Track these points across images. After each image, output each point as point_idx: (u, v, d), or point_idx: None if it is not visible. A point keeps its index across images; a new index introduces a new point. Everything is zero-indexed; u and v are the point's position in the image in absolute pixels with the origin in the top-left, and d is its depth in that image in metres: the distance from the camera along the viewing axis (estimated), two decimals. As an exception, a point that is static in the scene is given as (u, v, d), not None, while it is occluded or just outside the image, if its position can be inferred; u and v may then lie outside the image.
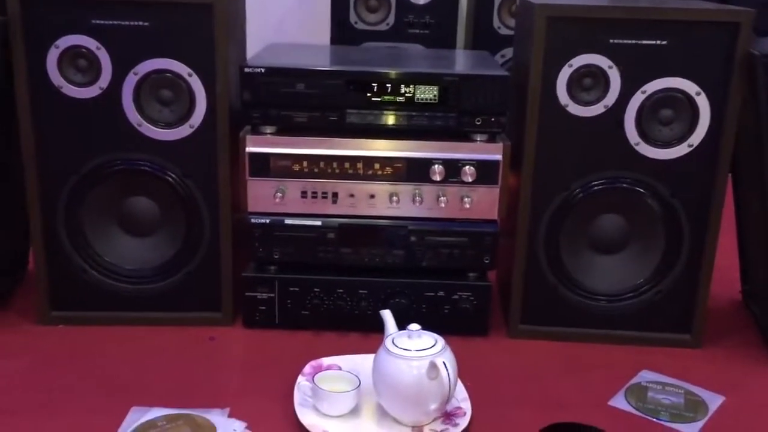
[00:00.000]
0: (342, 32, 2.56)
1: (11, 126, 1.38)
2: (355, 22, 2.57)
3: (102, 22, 1.33)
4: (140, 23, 1.33)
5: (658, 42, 1.34)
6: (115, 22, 1.33)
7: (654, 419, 1.24)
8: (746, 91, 1.35)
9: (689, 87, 1.36)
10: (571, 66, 1.36)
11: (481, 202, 1.43)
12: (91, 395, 1.26)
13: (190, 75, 1.36)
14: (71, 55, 1.35)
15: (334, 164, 1.41)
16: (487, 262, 1.45)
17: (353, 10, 2.57)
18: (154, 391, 1.27)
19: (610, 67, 1.35)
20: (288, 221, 1.44)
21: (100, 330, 1.46)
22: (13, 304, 1.55)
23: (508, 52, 2.57)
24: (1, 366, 1.34)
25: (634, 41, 1.34)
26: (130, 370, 1.34)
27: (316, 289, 1.45)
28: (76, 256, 1.44)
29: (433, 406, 1.15)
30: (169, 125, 1.39)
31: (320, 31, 2.65)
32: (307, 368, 1.30)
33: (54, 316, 1.47)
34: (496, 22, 2.58)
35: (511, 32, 2.54)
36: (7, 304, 1.55)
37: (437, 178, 1.41)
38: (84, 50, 1.34)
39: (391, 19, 2.57)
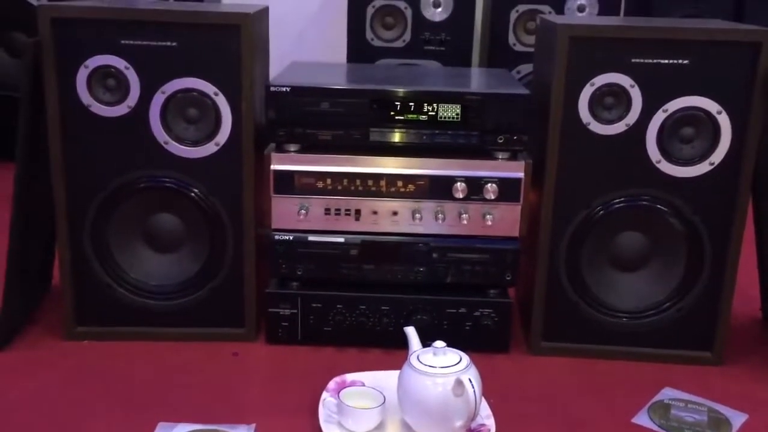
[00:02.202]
0: (358, 49, 2.59)
1: (40, 143, 1.41)
2: (372, 39, 2.59)
3: (131, 42, 1.35)
4: (168, 44, 1.35)
5: (680, 61, 1.35)
6: (143, 43, 1.35)
7: (678, 437, 1.25)
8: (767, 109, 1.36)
9: (710, 106, 1.37)
10: (593, 85, 1.37)
11: (502, 220, 1.44)
12: (117, 411, 1.27)
13: (216, 94, 1.38)
14: (100, 75, 1.37)
15: (358, 182, 1.43)
16: (508, 279, 1.46)
17: (369, 27, 2.59)
18: (180, 406, 1.29)
19: (632, 86, 1.36)
20: (311, 238, 1.45)
21: (125, 345, 1.47)
22: (39, 320, 1.56)
23: (524, 68, 2.59)
24: (28, 382, 1.35)
25: (655, 60, 1.35)
26: (156, 385, 1.35)
27: (338, 306, 1.47)
28: (102, 272, 1.46)
29: (458, 423, 1.15)
30: (195, 143, 1.41)
31: (337, 48, 2.68)
32: (332, 384, 1.31)
33: (80, 332, 1.49)
34: (511, 39, 2.61)
35: (526, 49, 2.56)
36: (33, 319, 1.56)
37: (460, 195, 1.42)
38: (113, 70, 1.36)
39: (408, 36, 2.60)
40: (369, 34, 2.60)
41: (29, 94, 1.36)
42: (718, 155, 1.39)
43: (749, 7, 2.59)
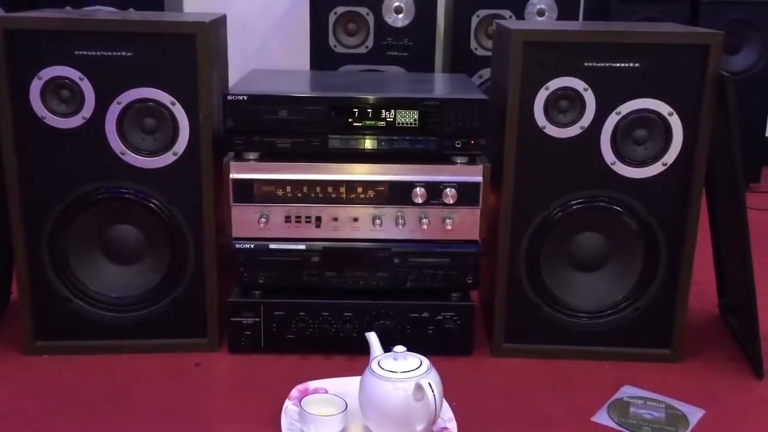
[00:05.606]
0: (321, 55, 2.59)
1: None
2: (335, 46, 2.60)
3: (85, 53, 1.34)
4: (123, 53, 1.35)
5: (631, 64, 1.38)
6: (98, 53, 1.34)
7: (637, 434, 1.27)
8: (717, 110, 1.39)
9: (662, 108, 1.39)
10: (547, 89, 1.39)
11: (462, 223, 1.46)
12: (77, 425, 1.26)
13: (173, 104, 1.38)
14: (54, 86, 1.36)
15: (318, 189, 1.43)
16: (470, 282, 1.47)
17: (332, 34, 2.59)
18: (142, 419, 1.28)
19: (585, 90, 1.39)
20: (272, 246, 1.45)
21: (85, 359, 1.46)
22: (-4, 335, 1.54)
23: (485, 72, 2.61)
24: (-14, 397, 1.34)
25: (607, 64, 1.38)
26: (117, 398, 1.34)
27: (301, 313, 1.47)
28: (61, 285, 1.45)
29: (419, 427, 1.16)
30: (152, 153, 1.40)
31: (300, 54, 2.68)
32: (294, 392, 1.30)
33: (39, 346, 1.47)
34: (473, 44, 2.62)
35: (488, 53, 2.58)
36: (-10, 334, 1.54)
37: (419, 200, 1.43)
38: (67, 81, 1.35)
39: (370, 42, 2.60)
40: (332, 41, 2.60)
41: (-18, 107, 1.35)
42: (670, 156, 1.41)
43: (704, 11, 2.64)
